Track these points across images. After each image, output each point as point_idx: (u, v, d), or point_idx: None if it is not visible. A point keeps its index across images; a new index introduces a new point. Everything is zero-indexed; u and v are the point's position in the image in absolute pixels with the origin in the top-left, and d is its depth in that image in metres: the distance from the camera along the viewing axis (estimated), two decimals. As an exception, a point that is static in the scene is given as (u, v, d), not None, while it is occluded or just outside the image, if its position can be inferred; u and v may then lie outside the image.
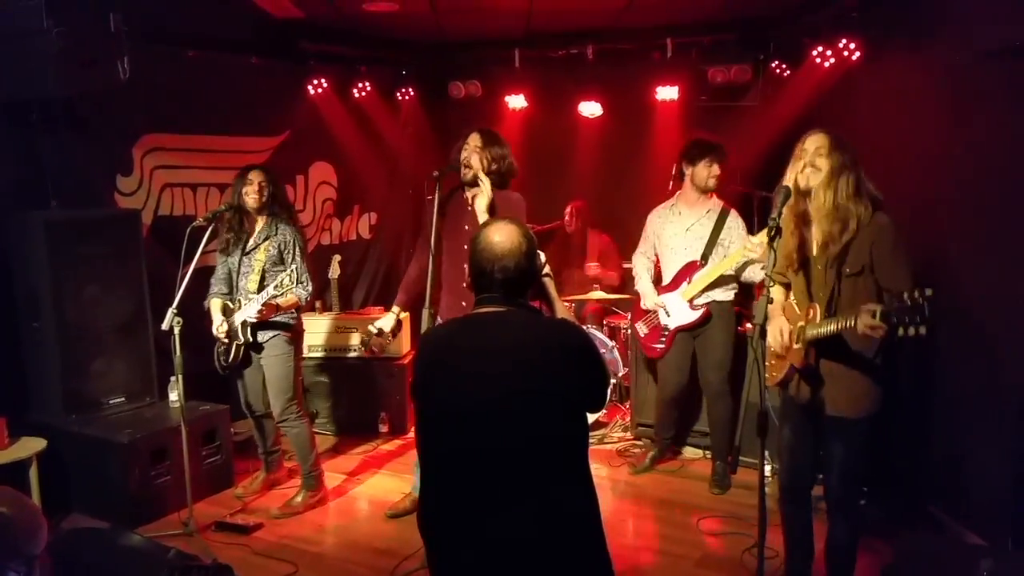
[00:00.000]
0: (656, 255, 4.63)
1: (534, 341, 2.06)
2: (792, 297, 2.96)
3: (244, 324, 4.05)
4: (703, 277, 4.35)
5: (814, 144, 2.73)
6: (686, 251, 4.42)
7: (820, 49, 4.95)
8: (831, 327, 2.66)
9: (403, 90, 6.49)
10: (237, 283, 4.18)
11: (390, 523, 4.13)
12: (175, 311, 3.72)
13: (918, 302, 2.27)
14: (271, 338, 4.14)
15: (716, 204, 4.44)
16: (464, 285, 3.89)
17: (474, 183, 3.73)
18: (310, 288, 4.12)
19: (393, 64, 6.45)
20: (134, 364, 4.46)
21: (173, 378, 4.13)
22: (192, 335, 3.88)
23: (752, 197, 5.04)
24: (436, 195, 3.68)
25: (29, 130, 4.26)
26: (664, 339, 4.52)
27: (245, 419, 4.56)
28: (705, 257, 4.38)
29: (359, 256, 6.74)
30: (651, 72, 5.96)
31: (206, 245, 3.90)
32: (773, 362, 2.96)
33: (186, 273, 3.78)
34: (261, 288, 4.04)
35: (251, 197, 4.08)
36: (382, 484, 4.68)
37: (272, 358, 4.16)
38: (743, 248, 4.19)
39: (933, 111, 3.96)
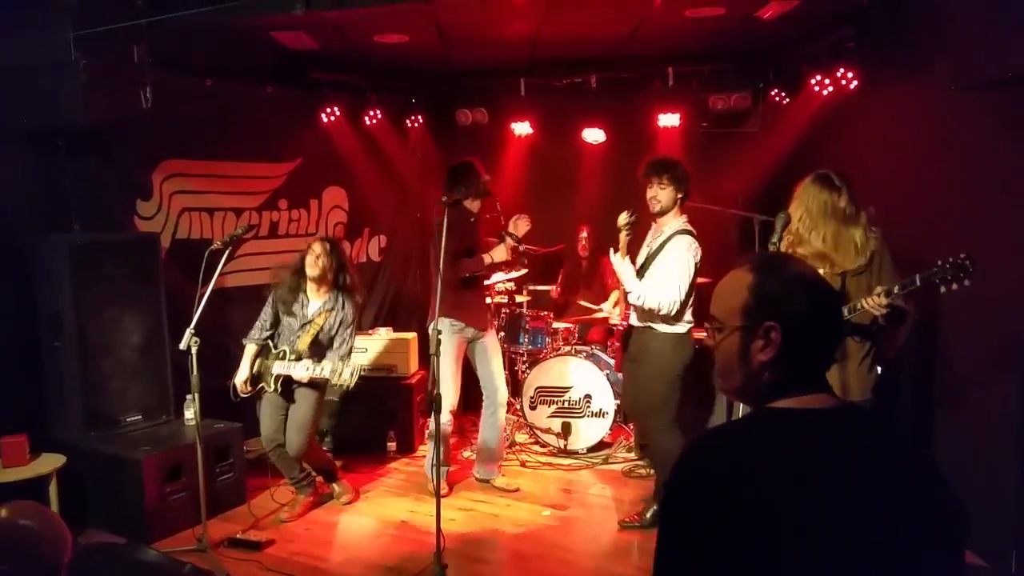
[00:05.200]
0: None
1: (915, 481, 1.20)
2: None
3: (278, 377, 4.26)
4: None
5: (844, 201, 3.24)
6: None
7: (818, 78, 5.07)
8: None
9: (412, 117, 6.67)
10: (289, 337, 4.35)
11: (399, 540, 4.22)
12: (192, 331, 3.83)
13: (959, 261, 2.75)
14: (304, 386, 4.33)
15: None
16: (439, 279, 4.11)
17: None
18: (348, 362, 4.29)
19: (402, 92, 6.63)
20: (151, 383, 4.60)
21: (189, 396, 4.25)
22: (208, 355, 3.99)
23: (753, 221, 5.14)
24: (444, 219, 3.80)
25: (54, 157, 4.43)
26: None
27: (257, 437, 4.66)
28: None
29: (369, 278, 6.85)
30: (653, 99, 6.11)
31: (223, 267, 4.03)
32: None
33: (203, 294, 3.90)
34: (312, 345, 4.26)
35: (311, 267, 4.28)
36: (390, 502, 4.76)
37: (302, 399, 4.35)
38: None
39: (925, 138, 4.09)
